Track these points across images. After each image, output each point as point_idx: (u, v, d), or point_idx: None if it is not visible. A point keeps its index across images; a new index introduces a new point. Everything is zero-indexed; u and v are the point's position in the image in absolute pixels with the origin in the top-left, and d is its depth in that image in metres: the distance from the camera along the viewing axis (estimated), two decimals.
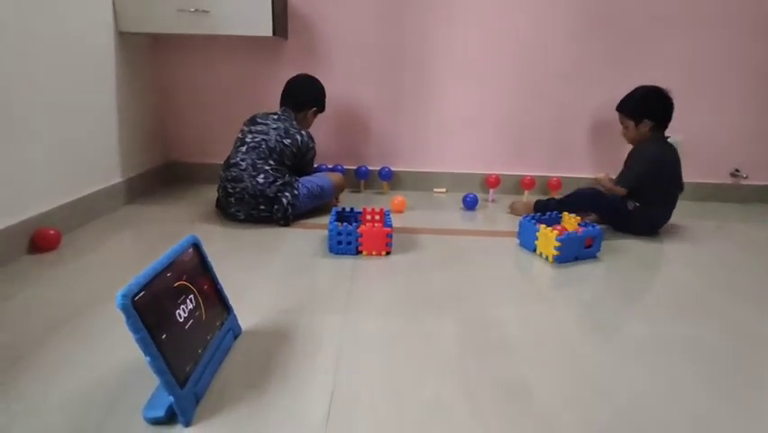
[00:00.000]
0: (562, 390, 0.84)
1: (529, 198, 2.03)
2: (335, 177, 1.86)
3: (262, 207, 1.61)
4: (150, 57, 2.02)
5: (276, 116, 1.73)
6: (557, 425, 0.75)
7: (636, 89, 1.74)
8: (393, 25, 2.04)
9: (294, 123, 1.74)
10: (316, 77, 1.87)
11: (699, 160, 2.19)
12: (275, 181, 1.61)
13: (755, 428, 0.77)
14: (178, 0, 1.72)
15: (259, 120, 1.72)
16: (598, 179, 1.75)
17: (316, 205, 1.76)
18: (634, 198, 1.70)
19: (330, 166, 2.15)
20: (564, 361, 0.93)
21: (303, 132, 1.72)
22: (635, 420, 0.77)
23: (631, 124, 1.72)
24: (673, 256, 1.53)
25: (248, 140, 1.65)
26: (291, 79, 1.84)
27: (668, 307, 1.18)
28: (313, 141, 1.77)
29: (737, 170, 2.22)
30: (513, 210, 1.92)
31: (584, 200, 1.71)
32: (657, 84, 1.71)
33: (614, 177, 1.71)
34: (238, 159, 1.63)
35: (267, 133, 1.66)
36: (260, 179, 1.59)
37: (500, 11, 2.01)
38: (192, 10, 1.73)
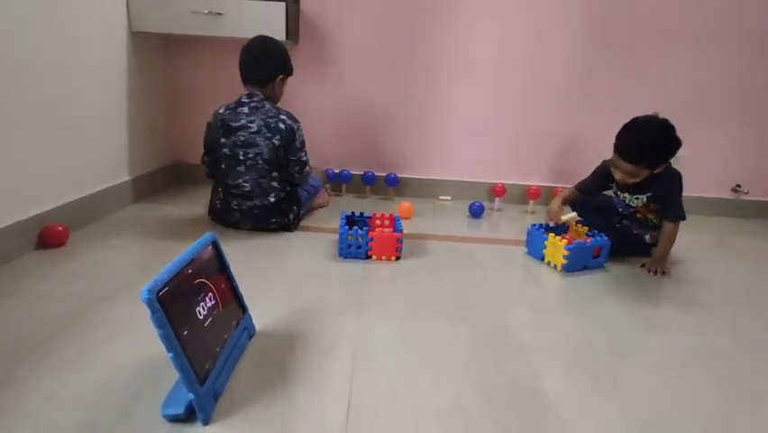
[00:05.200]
0: (578, 396, 0.84)
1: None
2: (317, 171, 1.94)
3: (273, 219, 1.58)
4: (161, 57, 2.03)
5: (247, 110, 1.51)
6: (574, 431, 0.75)
7: (642, 132, 1.39)
8: (402, 32, 2.06)
9: (268, 106, 1.53)
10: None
11: (699, 175, 2.21)
12: (285, 197, 1.58)
13: None
14: (192, 1, 1.73)
15: (234, 126, 1.50)
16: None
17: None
18: (653, 228, 1.59)
19: (336, 171, 2.16)
20: (578, 367, 0.93)
21: (282, 116, 1.52)
22: (651, 426, 0.77)
23: (646, 172, 1.42)
24: (679, 268, 1.53)
25: (241, 158, 1.51)
26: (245, 48, 1.55)
27: (677, 315, 1.18)
28: (297, 121, 1.56)
29: (738, 186, 2.25)
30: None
31: (620, 247, 1.55)
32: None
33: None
34: (240, 180, 1.52)
35: (257, 145, 1.50)
36: (272, 198, 1.55)
37: (510, 20, 2.04)
38: (206, 12, 1.74)
